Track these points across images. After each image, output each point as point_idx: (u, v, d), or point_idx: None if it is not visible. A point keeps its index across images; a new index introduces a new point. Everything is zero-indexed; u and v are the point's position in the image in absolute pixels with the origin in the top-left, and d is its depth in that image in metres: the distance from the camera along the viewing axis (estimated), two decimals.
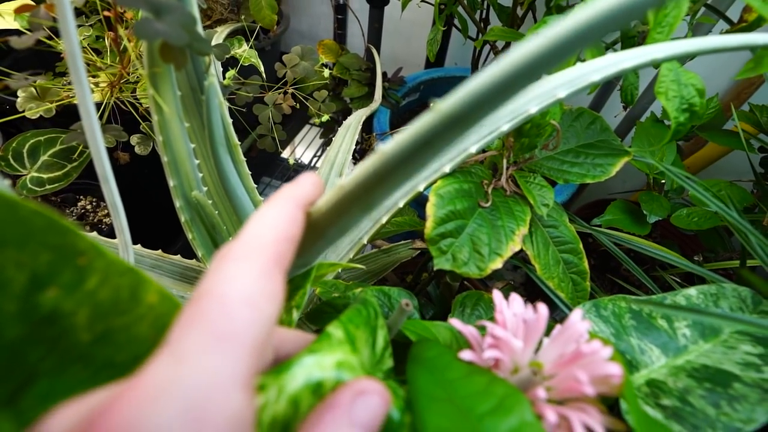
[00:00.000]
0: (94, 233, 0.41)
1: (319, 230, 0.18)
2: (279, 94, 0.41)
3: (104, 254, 0.17)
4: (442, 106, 0.12)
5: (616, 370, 0.20)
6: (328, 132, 0.76)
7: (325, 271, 0.24)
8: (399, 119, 0.78)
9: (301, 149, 1.07)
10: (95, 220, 0.57)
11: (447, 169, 0.32)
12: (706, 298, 0.35)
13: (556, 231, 0.38)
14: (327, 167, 0.53)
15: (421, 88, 0.82)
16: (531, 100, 0.29)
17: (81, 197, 0.58)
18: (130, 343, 0.19)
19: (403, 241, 0.58)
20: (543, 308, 0.24)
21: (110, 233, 0.56)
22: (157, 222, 0.57)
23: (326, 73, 0.39)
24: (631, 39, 0.41)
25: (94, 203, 0.59)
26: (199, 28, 0.31)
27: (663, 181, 0.56)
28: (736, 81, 0.81)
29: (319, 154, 0.97)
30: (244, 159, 0.38)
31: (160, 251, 0.45)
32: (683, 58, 0.33)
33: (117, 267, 0.18)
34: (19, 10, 0.34)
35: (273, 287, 0.13)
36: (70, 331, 0.17)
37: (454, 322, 0.25)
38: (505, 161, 0.36)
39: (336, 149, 0.54)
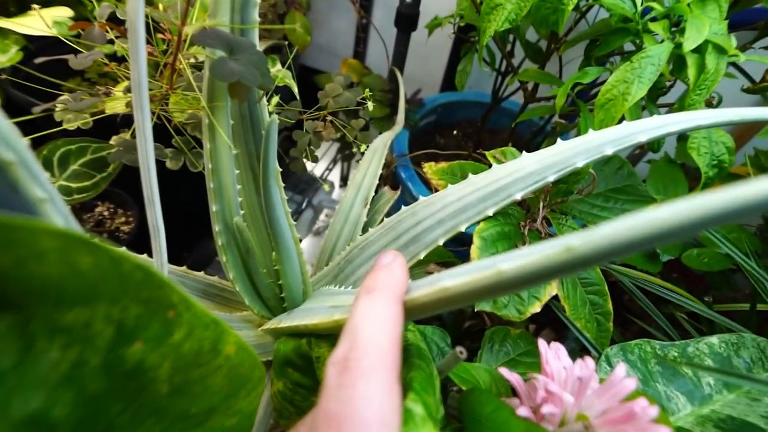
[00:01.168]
0: (123, 248, 0.41)
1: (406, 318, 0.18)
2: (319, 121, 0.41)
3: (192, 306, 0.17)
4: (578, 246, 0.13)
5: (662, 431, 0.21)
6: (345, 147, 0.77)
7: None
8: (416, 141, 0.79)
9: (323, 164, 1.08)
10: (112, 227, 0.57)
11: (490, 212, 0.33)
12: (727, 347, 0.36)
13: (584, 273, 0.39)
14: (353, 191, 0.54)
15: (438, 111, 0.83)
16: (578, 154, 0.30)
17: (99, 203, 0.58)
18: (205, 394, 0.19)
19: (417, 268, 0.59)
20: (591, 363, 0.25)
21: (130, 242, 0.56)
22: (171, 233, 0.56)
23: (371, 106, 0.40)
24: (660, 90, 0.43)
25: (111, 210, 0.58)
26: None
27: None
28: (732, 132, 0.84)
29: (331, 167, 0.98)
30: (283, 185, 0.38)
31: (185, 268, 0.45)
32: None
33: (203, 319, 0.18)
34: (74, 27, 0.34)
35: (398, 402, 0.13)
36: (150, 385, 0.17)
37: (504, 371, 0.26)
38: (541, 203, 0.37)
39: (363, 173, 0.54)
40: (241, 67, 0.25)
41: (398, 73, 0.71)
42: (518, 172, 0.32)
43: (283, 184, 0.39)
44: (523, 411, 0.23)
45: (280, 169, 0.33)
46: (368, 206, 0.52)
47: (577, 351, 0.49)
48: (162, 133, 0.44)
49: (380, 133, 0.61)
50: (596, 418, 0.24)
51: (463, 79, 0.54)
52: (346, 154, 0.83)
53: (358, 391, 0.13)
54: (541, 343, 0.26)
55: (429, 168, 0.49)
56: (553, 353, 0.25)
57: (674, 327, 0.47)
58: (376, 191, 0.64)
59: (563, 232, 0.37)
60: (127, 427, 0.17)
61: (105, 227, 0.56)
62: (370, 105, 0.40)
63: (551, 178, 0.31)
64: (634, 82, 0.31)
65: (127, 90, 0.43)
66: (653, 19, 0.34)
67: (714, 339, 0.36)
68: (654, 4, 0.32)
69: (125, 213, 0.57)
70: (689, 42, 0.31)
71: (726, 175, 0.65)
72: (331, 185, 0.97)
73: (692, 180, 0.69)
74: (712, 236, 0.46)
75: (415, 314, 0.18)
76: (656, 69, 0.31)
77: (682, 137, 0.43)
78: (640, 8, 0.33)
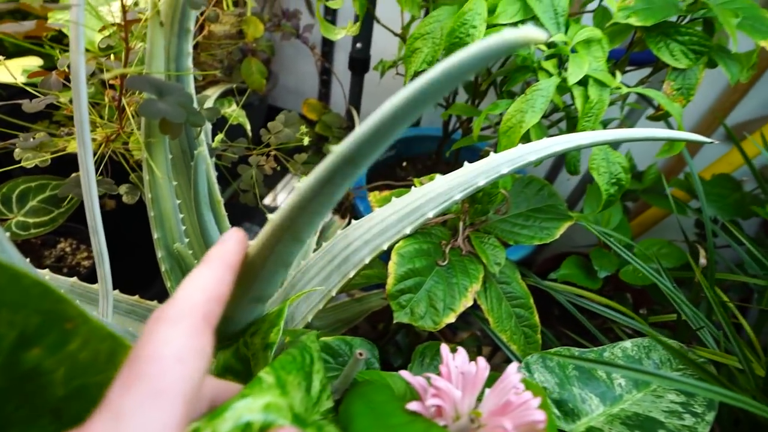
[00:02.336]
0: (74, 278, 0.43)
1: (259, 263, 0.22)
2: (262, 156, 0.45)
3: (90, 321, 0.19)
4: (338, 150, 0.17)
5: (540, 417, 0.23)
6: None
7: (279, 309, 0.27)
8: (376, 174, 0.83)
9: (283, 195, 1.11)
10: (73, 263, 0.58)
11: (408, 231, 0.36)
12: (639, 350, 0.39)
13: (509, 287, 0.42)
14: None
15: (397, 145, 0.88)
16: (479, 175, 0.34)
17: (62, 239, 0.60)
18: (101, 400, 0.21)
19: (375, 291, 0.61)
20: (482, 362, 0.27)
21: (88, 277, 0.57)
22: (135, 266, 0.58)
23: (306, 140, 0.44)
24: (573, 119, 0.47)
25: (74, 246, 0.60)
26: (195, 102, 0.35)
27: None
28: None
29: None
30: (226, 213, 0.41)
31: (137, 297, 0.47)
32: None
33: (100, 332, 0.20)
34: (33, 75, 0.38)
35: (202, 344, 0.15)
36: (47, 387, 0.19)
37: (404, 373, 0.28)
38: (461, 224, 0.40)
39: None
40: (168, 107, 0.29)
41: (354, 111, 0.76)
42: (430, 193, 0.36)
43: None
44: (413, 405, 0.25)
45: (237, 201, 0.36)
46: (317, 234, 0.54)
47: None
48: (121, 170, 0.47)
49: None
50: (487, 413, 0.26)
51: None
52: None
53: (160, 334, 0.15)
54: (443, 347, 0.28)
55: (373, 197, 0.53)
56: (452, 357, 0.28)
57: (615, 341, 0.50)
58: (331, 219, 0.67)
59: (485, 249, 0.40)
60: (24, 422, 0.19)
61: (66, 263, 0.58)
62: (305, 139, 0.44)
63: (457, 197, 0.35)
64: (528, 111, 0.36)
65: None
66: (548, 58, 0.39)
67: (627, 343, 0.39)
68: (542, 47, 0.38)
69: (87, 248, 0.59)
70: (572, 77, 0.36)
71: (664, 197, 0.70)
72: None
73: (625, 198, 0.74)
74: (628, 258, 0.50)
75: (262, 255, 0.22)
76: (546, 100, 0.36)
77: None
78: (533, 49, 0.38)
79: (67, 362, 0.19)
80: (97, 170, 0.48)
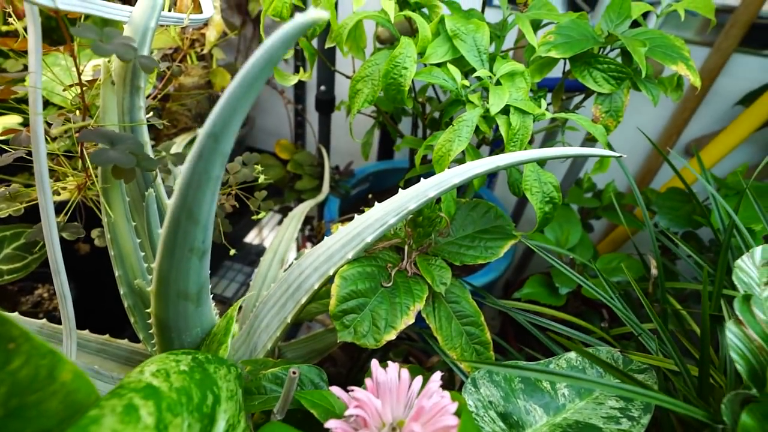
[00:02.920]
0: (43, 320, 0.45)
1: (168, 251, 0.26)
2: (224, 195, 0.48)
3: (32, 339, 0.22)
4: (202, 130, 0.22)
5: (452, 421, 0.25)
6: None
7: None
8: (350, 207, 0.86)
9: (266, 231, 1.14)
10: (50, 308, 0.60)
11: (350, 255, 0.39)
12: (583, 360, 0.40)
13: (459, 306, 0.44)
14: (271, 254, 0.59)
15: (370, 179, 0.92)
16: (410, 200, 0.37)
17: (39, 285, 0.62)
18: (40, 417, 0.23)
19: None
20: (405, 373, 0.29)
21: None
22: (112, 307, 0.60)
23: (262, 178, 0.48)
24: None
25: (51, 291, 0.63)
26: (149, 149, 0.39)
27: (572, 257, 0.64)
28: (642, 166, 0.94)
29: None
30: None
31: (107, 336, 0.49)
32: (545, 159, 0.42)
33: (41, 349, 0.22)
34: (5, 133, 0.42)
35: None
36: None
37: (334, 389, 0.30)
38: (407, 247, 0.43)
39: (280, 238, 0.61)
40: (118, 155, 0.32)
41: (323, 150, 0.80)
42: (368, 220, 0.39)
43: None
44: (330, 423, 0.26)
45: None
46: (284, 266, 0.57)
47: None
48: (94, 216, 0.50)
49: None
50: (409, 420, 0.27)
51: (366, 150, 0.62)
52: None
53: None
54: (373, 362, 0.30)
55: (335, 228, 0.56)
56: (383, 371, 0.30)
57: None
58: (299, 251, 0.69)
59: (432, 270, 0.42)
60: None
61: (42, 308, 0.60)
62: (261, 177, 0.47)
63: (392, 221, 0.37)
64: (455, 141, 0.39)
65: (56, 179, 0.50)
66: (474, 91, 0.43)
67: (572, 354, 0.40)
68: (465, 81, 0.42)
69: (57, 295, 0.62)
70: (494, 107, 0.40)
71: (629, 215, 0.73)
72: None
73: (585, 216, 0.77)
74: (570, 275, 0.52)
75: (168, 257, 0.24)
76: (470, 129, 0.39)
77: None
78: (460, 84, 0.43)
79: (8, 381, 0.21)
80: (71, 217, 0.51)
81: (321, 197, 0.72)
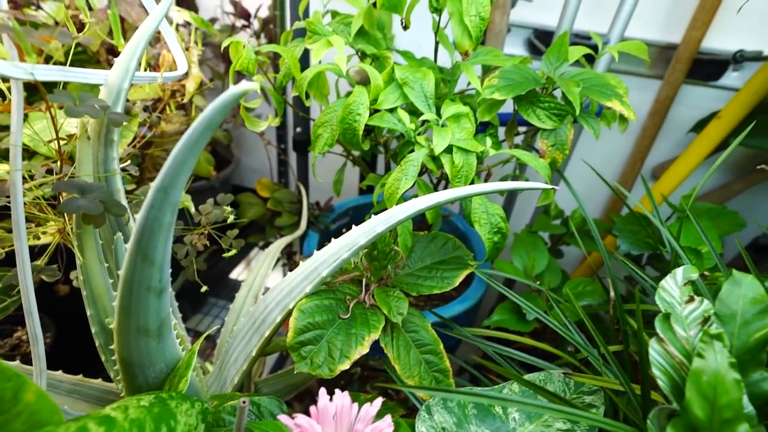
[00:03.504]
0: (16, 362, 0.47)
1: (126, 291, 0.28)
2: (197, 234, 0.51)
3: None
4: (153, 184, 0.25)
5: None
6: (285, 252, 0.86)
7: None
8: (329, 241, 0.89)
9: (252, 266, 1.16)
10: (27, 351, 0.62)
11: (308, 289, 0.42)
12: (537, 383, 0.42)
13: (417, 335, 0.46)
14: (245, 290, 0.62)
15: (350, 213, 0.95)
16: (360, 236, 0.40)
17: (18, 328, 0.64)
18: None
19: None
20: (347, 400, 0.31)
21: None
22: (88, 348, 0.62)
23: (231, 218, 0.51)
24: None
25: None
26: (121, 196, 0.43)
27: (538, 282, 0.67)
28: (611, 194, 0.98)
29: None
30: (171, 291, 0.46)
31: (80, 376, 0.51)
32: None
33: (6, 373, 0.25)
34: None
35: None
36: None
37: (282, 417, 0.32)
38: (364, 280, 0.46)
39: (255, 274, 0.63)
40: (87, 203, 0.35)
41: (301, 187, 0.84)
42: (324, 255, 0.42)
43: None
44: None
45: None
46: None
47: None
48: (74, 258, 0.53)
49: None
50: None
51: (338, 187, 0.66)
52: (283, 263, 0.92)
53: None
54: (321, 390, 0.32)
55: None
56: (326, 398, 0.32)
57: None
58: None
59: (388, 301, 0.45)
60: None
61: (20, 350, 0.62)
62: (231, 217, 0.50)
63: (345, 256, 0.40)
64: (402, 179, 0.43)
65: (37, 224, 0.53)
66: (421, 133, 0.47)
67: (525, 378, 0.42)
68: (413, 125, 0.46)
69: (44, 335, 0.64)
70: (437, 147, 0.44)
71: (589, 238, 0.76)
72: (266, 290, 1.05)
73: (555, 242, 0.80)
74: (525, 307, 0.54)
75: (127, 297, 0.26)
76: (416, 169, 0.43)
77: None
78: (408, 127, 0.47)
79: None
80: (52, 259, 0.54)
81: (298, 233, 0.75)
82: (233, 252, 0.53)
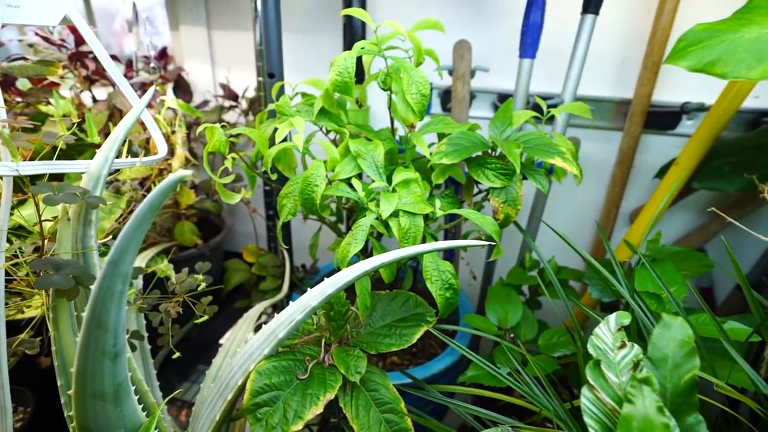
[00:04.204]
0: None
1: (83, 356, 0.31)
2: (172, 302, 0.55)
3: None
4: (106, 258, 0.28)
5: None
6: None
7: None
8: None
9: (244, 330, 1.18)
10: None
11: (266, 351, 0.44)
12: None
13: (378, 393, 0.48)
14: (222, 355, 0.64)
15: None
16: (312, 298, 0.43)
17: None
18: None
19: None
20: None
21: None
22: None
23: (203, 285, 0.55)
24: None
25: (12, 407, 0.66)
26: (97, 270, 0.47)
27: (512, 335, 0.68)
28: (595, 238, 1.00)
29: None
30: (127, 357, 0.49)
31: None
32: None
33: None
34: None
35: None
36: None
37: None
38: (323, 341, 0.48)
39: (232, 339, 0.66)
40: (59, 279, 0.40)
41: (285, 252, 0.89)
42: (281, 318, 0.45)
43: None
44: None
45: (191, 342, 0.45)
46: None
47: None
48: None
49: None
50: None
51: (313, 251, 0.70)
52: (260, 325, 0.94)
53: None
54: None
55: None
56: None
57: None
58: None
59: (346, 360, 0.47)
60: None
61: None
62: (202, 285, 0.54)
63: (299, 317, 0.43)
64: (353, 243, 0.47)
65: (23, 298, 0.57)
66: (371, 200, 0.52)
67: None
68: (362, 194, 0.51)
69: (24, 410, 0.65)
70: (384, 212, 0.48)
71: (563, 288, 0.78)
72: None
73: (533, 294, 0.81)
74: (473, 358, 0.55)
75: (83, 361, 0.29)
76: (365, 233, 0.47)
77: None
78: (360, 194, 0.52)
79: None
80: (38, 333, 0.58)
81: (280, 296, 0.79)
82: (205, 318, 0.56)
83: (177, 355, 0.56)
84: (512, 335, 0.68)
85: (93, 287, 0.31)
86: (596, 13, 0.73)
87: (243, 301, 0.92)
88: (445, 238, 0.77)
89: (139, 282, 0.66)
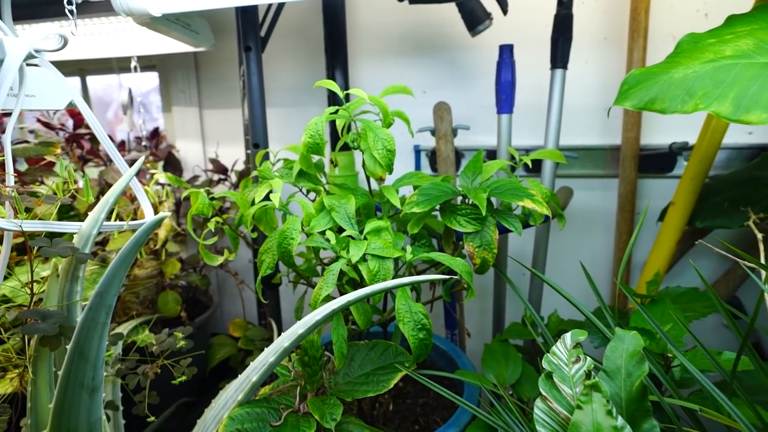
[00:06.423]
0: None
1: (62, 389, 0.38)
2: (150, 366, 0.64)
3: None
4: (92, 292, 0.36)
5: None
6: None
7: None
8: None
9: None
10: None
11: (240, 397, 0.52)
12: None
13: None
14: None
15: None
16: (284, 339, 0.52)
17: None
18: None
19: None
20: None
21: None
22: None
23: (182, 343, 0.64)
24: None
25: None
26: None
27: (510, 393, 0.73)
28: (612, 287, 1.06)
29: None
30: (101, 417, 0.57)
31: None
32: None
33: None
34: None
35: None
36: None
37: None
38: (298, 389, 0.56)
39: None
40: (45, 326, 0.50)
41: (273, 324, 0.97)
42: (254, 363, 0.53)
43: None
44: None
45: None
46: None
47: None
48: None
49: None
50: None
51: (299, 314, 0.79)
52: None
53: None
54: None
55: None
56: None
57: None
58: None
59: (321, 407, 0.53)
60: None
61: None
62: (182, 342, 0.63)
63: (272, 359, 0.52)
64: (324, 287, 0.57)
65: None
66: (343, 247, 0.62)
67: None
68: (334, 243, 0.61)
69: None
70: (354, 257, 0.58)
71: None
72: None
73: (536, 350, 0.86)
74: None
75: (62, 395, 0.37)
76: (335, 277, 0.57)
77: None
78: (333, 244, 0.62)
79: None
80: (11, 403, 0.66)
81: None
82: (183, 378, 0.64)
83: (152, 418, 0.63)
84: (511, 393, 0.73)
85: (80, 319, 0.41)
86: (564, 67, 0.88)
87: (226, 381, 0.99)
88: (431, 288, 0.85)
89: (119, 348, 0.75)
